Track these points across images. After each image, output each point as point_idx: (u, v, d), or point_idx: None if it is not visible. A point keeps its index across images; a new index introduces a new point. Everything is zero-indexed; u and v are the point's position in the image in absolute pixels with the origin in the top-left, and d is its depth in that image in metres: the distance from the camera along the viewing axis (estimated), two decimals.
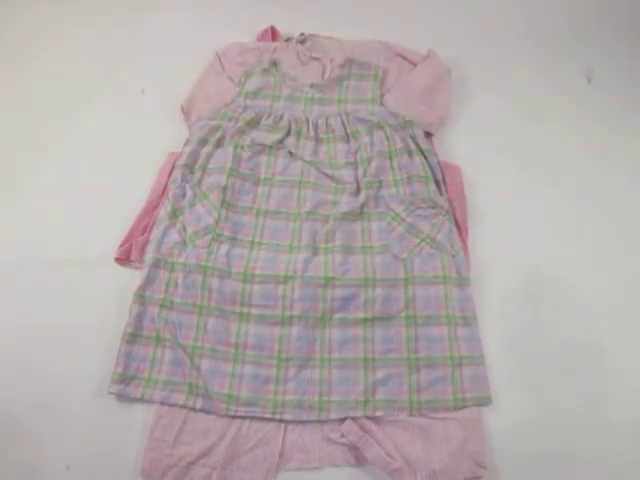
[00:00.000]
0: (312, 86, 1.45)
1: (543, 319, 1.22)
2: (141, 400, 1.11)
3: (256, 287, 1.19)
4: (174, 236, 1.25)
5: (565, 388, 1.14)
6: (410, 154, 1.35)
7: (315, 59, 1.50)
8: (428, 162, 1.34)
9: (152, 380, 1.12)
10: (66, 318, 1.20)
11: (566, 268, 1.27)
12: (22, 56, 1.60)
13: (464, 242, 1.27)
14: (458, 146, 1.44)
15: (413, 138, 1.37)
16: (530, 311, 1.23)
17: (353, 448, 1.06)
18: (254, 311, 1.17)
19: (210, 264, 1.20)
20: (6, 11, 1.70)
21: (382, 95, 1.44)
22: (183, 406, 1.10)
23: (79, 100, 1.52)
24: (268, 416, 1.09)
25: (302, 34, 1.54)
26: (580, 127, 1.49)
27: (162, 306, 1.18)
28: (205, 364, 1.12)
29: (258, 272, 1.20)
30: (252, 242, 1.26)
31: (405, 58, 1.51)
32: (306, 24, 1.57)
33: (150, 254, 1.22)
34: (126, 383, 1.11)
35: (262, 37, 1.59)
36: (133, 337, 1.15)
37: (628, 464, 1.08)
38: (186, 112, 1.45)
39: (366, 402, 1.10)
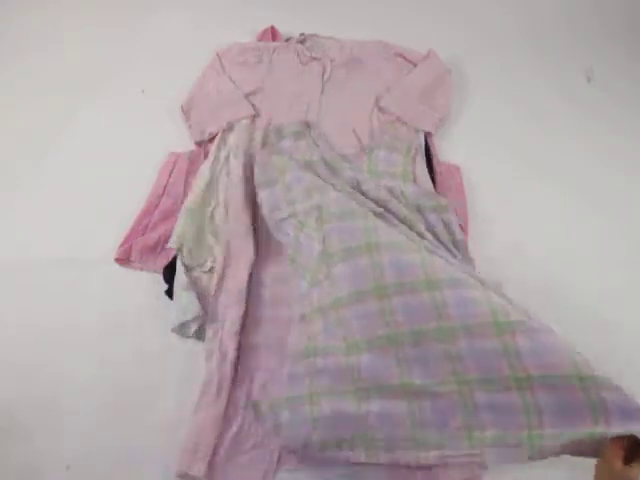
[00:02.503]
0: (341, 157, 1.34)
1: (543, 319, 1.21)
2: None
3: None
4: None
5: None
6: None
7: (315, 59, 1.50)
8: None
9: None
10: (66, 318, 1.20)
11: (566, 268, 1.27)
12: (22, 56, 1.60)
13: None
14: (458, 146, 1.44)
15: (447, 224, 1.25)
16: (530, 311, 1.22)
17: None
18: None
19: None
20: (6, 11, 1.70)
21: (381, 97, 1.43)
22: None
23: (79, 100, 1.52)
24: None
25: (302, 34, 1.55)
26: (580, 127, 1.49)
27: None
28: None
29: None
30: None
31: (405, 58, 1.51)
32: (306, 24, 1.57)
33: None
34: None
35: (262, 37, 1.59)
36: None
37: None
38: (186, 112, 1.45)
39: None
